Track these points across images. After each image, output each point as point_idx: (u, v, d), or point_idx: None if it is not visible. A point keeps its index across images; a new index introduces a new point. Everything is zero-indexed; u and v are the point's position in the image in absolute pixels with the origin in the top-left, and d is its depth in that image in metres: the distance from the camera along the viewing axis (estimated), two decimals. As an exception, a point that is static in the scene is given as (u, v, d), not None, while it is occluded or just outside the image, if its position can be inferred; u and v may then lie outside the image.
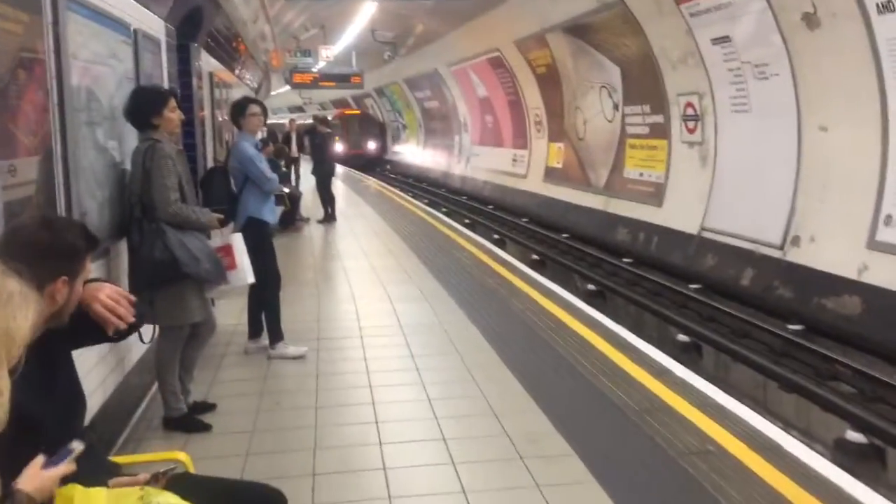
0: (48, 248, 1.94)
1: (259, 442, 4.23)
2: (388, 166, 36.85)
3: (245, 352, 5.91)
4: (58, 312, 1.94)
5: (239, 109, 5.82)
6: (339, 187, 17.60)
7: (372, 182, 23.37)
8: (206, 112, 8.27)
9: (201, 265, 4.22)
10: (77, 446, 1.80)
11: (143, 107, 4.28)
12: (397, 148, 37.61)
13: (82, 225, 2.20)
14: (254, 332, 5.98)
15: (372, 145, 37.73)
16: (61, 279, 1.92)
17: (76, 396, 2.14)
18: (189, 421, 4.42)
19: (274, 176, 5.85)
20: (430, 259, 9.58)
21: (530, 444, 4.09)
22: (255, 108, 5.80)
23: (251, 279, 4.71)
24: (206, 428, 4.39)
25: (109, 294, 2.10)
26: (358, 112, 38.95)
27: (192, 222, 4.29)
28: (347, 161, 33.69)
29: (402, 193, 19.98)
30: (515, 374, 5.15)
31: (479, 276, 8.52)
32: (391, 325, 6.58)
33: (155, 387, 4.71)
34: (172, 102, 4.37)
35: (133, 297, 2.16)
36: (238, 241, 4.68)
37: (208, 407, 4.66)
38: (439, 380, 5.16)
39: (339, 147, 34.61)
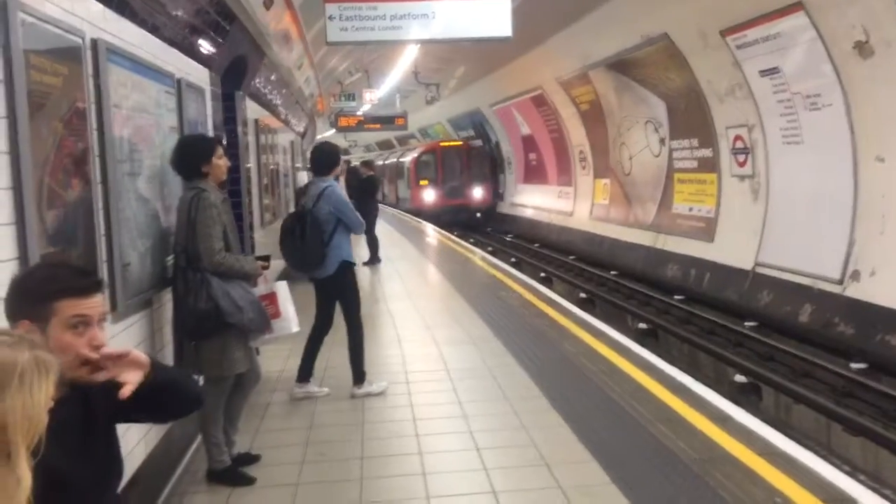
0: (12, 291, 1.88)
1: (304, 496, 4.11)
2: (479, 216, 26.90)
3: (291, 396, 5.82)
4: None
5: (334, 159, 5.98)
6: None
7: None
8: (252, 158, 8.32)
9: (245, 315, 4.15)
10: None
11: (193, 156, 4.27)
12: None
13: (52, 269, 2.06)
14: (303, 377, 5.89)
15: (479, 192, 26.79)
16: (21, 323, 1.80)
17: (112, 464, 2.04)
18: (233, 474, 4.32)
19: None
20: (475, 300, 9.44)
21: (585, 497, 3.90)
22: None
23: (296, 328, 4.61)
24: (250, 481, 4.29)
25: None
26: (460, 144, 28.16)
27: (235, 271, 4.22)
28: (442, 216, 25.19)
29: (445, 232, 19.90)
30: (567, 422, 4.96)
31: (527, 317, 8.35)
32: (438, 370, 6.44)
33: (199, 438, 4.63)
34: (220, 150, 4.37)
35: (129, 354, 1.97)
36: (282, 289, 4.59)
37: (252, 459, 4.56)
38: (488, 427, 4.99)
39: (428, 195, 26.94)
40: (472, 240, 21.74)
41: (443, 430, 5.01)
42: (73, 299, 1.87)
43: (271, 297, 4.48)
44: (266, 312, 4.36)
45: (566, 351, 6.78)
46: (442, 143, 28.36)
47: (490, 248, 20.52)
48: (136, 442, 3.77)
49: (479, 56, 18.55)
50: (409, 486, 4.14)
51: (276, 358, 6.57)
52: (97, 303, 1.92)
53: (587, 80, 16.10)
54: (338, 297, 5.87)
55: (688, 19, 11.14)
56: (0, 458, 1.31)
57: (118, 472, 2.09)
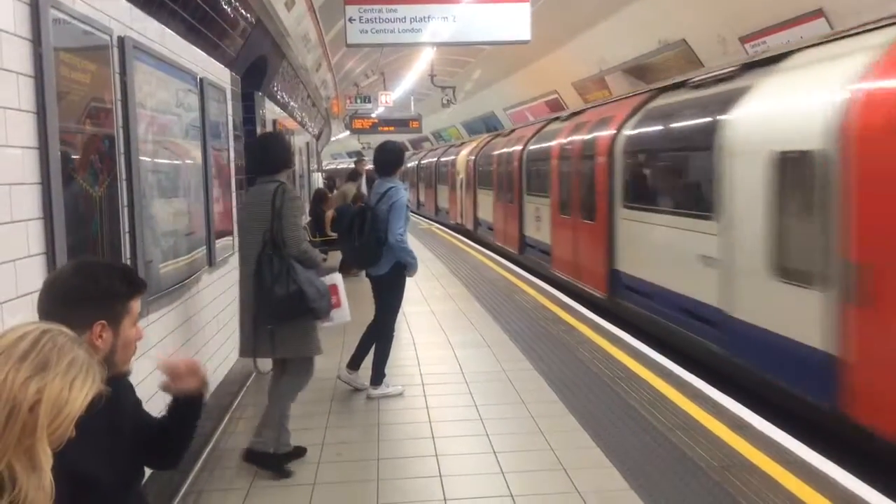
0: (82, 295, 1.85)
1: (321, 496, 4.10)
2: None
3: (338, 377, 6.01)
4: (107, 360, 1.83)
5: (398, 158, 6.02)
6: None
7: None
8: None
9: (323, 301, 4.38)
10: None
11: (282, 152, 4.56)
12: None
13: (123, 268, 2.13)
14: (356, 364, 6.01)
15: None
16: (98, 324, 1.83)
17: (136, 464, 2.06)
18: (281, 463, 4.41)
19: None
20: (490, 304, 9.43)
21: (604, 502, 3.88)
22: None
23: (349, 317, 4.81)
24: (288, 474, 4.37)
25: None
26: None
27: (312, 261, 4.45)
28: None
29: (457, 235, 19.87)
30: (585, 427, 4.94)
31: (542, 321, 8.33)
32: (453, 372, 6.43)
33: (216, 436, 4.64)
34: None
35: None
36: (340, 281, 4.77)
37: (300, 452, 4.63)
38: (505, 431, 4.97)
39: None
40: None
41: (459, 433, 4.99)
42: (139, 297, 1.97)
43: (334, 288, 4.66)
44: (332, 302, 4.55)
45: (583, 356, 6.75)
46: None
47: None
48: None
49: (496, 59, 18.56)
50: (426, 489, 4.13)
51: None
52: None
53: (603, 85, 16.06)
54: (383, 295, 5.89)
55: (706, 25, 11.10)
56: (23, 439, 1.30)
57: (141, 471, 2.11)
